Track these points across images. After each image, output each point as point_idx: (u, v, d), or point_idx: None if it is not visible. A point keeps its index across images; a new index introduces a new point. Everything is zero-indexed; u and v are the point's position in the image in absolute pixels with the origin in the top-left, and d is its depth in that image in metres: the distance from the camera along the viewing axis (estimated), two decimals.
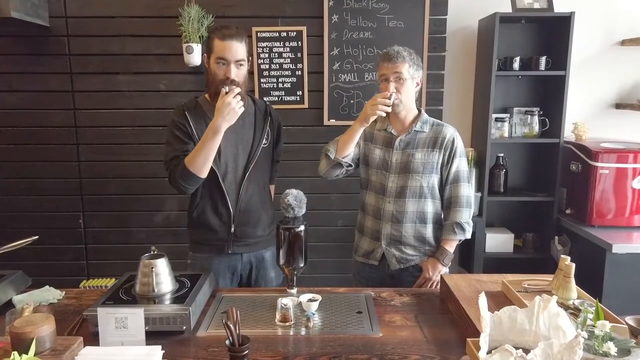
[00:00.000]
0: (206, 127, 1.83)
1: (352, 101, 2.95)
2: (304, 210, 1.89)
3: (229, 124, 1.79)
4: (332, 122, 2.97)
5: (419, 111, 2.07)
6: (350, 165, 2.05)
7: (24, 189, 3.06)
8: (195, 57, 2.80)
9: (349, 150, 2.00)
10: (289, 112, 2.94)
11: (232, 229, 2.00)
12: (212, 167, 1.88)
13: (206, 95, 2.01)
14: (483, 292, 1.15)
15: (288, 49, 2.91)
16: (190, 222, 2.06)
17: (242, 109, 1.80)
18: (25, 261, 3.01)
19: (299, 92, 2.95)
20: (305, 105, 2.97)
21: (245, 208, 2.01)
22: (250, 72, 2.82)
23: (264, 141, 2.04)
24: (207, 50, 1.92)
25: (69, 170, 3.04)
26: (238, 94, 1.79)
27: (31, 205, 3.07)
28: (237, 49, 1.85)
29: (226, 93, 1.79)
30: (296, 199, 1.88)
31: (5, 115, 2.97)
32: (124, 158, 3.03)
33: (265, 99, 2.83)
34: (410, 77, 1.96)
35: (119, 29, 2.90)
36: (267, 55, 2.91)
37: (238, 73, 1.87)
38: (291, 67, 2.93)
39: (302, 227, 1.80)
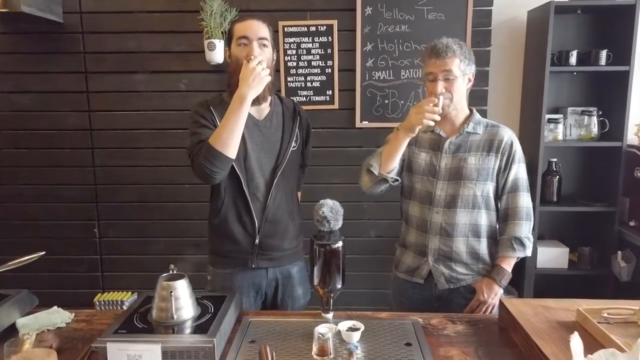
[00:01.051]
0: None
1: (386, 101, 2.76)
2: (340, 223, 1.72)
3: (256, 93, 1.64)
4: (365, 124, 2.79)
5: (471, 111, 1.88)
6: (397, 180, 1.86)
7: (36, 196, 2.96)
8: (217, 54, 2.66)
9: (394, 163, 1.82)
10: (318, 113, 2.77)
11: (257, 241, 1.84)
12: (235, 171, 1.74)
13: (229, 93, 1.87)
14: (576, 333, 0.96)
15: (317, 45, 2.75)
16: (211, 230, 1.92)
17: (269, 78, 1.65)
18: (37, 272, 2.93)
19: (329, 92, 2.78)
20: (336, 105, 2.79)
21: (271, 218, 1.86)
22: (277, 70, 2.68)
23: (292, 144, 1.89)
24: (228, 41, 1.79)
25: (84, 176, 2.93)
26: (260, 62, 1.64)
27: (44, 214, 2.97)
28: (259, 27, 1.73)
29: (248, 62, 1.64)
30: (332, 210, 1.70)
31: (16, 118, 2.88)
32: (141, 163, 2.91)
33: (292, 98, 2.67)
34: (462, 73, 1.77)
35: (136, 24, 2.78)
36: (294, 51, 2.75)
37: (262, 53, 1.71)
38: (320, 64, 2.76)
39: (339, 244, 1.63)
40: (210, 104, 1.81)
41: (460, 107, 1.84)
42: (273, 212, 1.86)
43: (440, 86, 1.75)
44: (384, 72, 2.75)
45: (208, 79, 2.81)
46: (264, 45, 1.73)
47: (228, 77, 1.84)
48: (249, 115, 1.81)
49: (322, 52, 2.75)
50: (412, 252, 1.91)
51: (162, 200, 2.92)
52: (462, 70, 1.77)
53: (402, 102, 2.75)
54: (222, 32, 2.65)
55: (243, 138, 1.77)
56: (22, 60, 2.83)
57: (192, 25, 2.72)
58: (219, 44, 2.65)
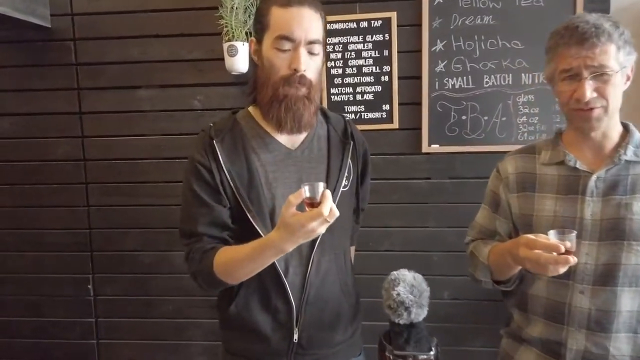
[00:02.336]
0: (247, 167, 1.24)
1: (464, 117, 2.12)
2: (425, 311, 1.11)
3: (296, 245, 1.08)
4: (435, 147, 2.15)
5: (625, 127, 1.24)
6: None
7: (17, 243, 2.44)
8: (240, 61, 2.10)
9: (507, 276, 1.27)
10: (372, 136, 2.13)
11: (296, 335, 1.25)
12: (257, 230, 1.22)
13: (250, 109, 1.32)
14: None
15: (370, 46, 2.15)
16: (224, 320, 1.36)
17: (334, 216, 1.02)
18: (20, 339, 2.43)
19: (386, 107, 2.17)
20: (395, 124, 2.17)
21: (315, 297, 1.29)
22: None
23: (343, 182, 1.32)
24: (258, 30, 1.24)
25: (75, 218, 2.40)
26: (331, 211, 1.02)
27: (26, 265, 2.45)
28: (311, 22, 1.18)
29: (309, 202, 1.03)
30: (413, 291, 1.11)
31: None
32: (147, 201, 2.36)
33: None
34: (620, 67, 1.14)
35: (139, 27, 2.27)
36: (339, 55, 2.16)
37: (310, 64, 1.17)
38: (374, 70, 2.16)
39: (431, 354, 1.00)
40: (214, 135, 1.26)
41: (614, 122, 1.20)
42: (317, 288, 1.29)
43: (590, 89, 1.12)
44: (460, 79, 2.11)
45: (229, 93, 2.26)
46: (313, 54, 1.19)
47: (251, 85, 1.29)
48: (277, 143, 1.26)
49: (377, 55, 2.15)
50: (537, 350, 1.25)
51: (172, 248, 2.35)
52: (620, 63, 1.14)
53: (485, 118, 2.11)
54: (246, 33, 2.10)
55: (267, 179, 1.22)
56: (0, 75, 2.35)
57: (209, 26, 2.18)
58: (242, 49, 2.09)
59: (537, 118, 2.08)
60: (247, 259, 1.14)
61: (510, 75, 2.08)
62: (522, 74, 2.07)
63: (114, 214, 2.38)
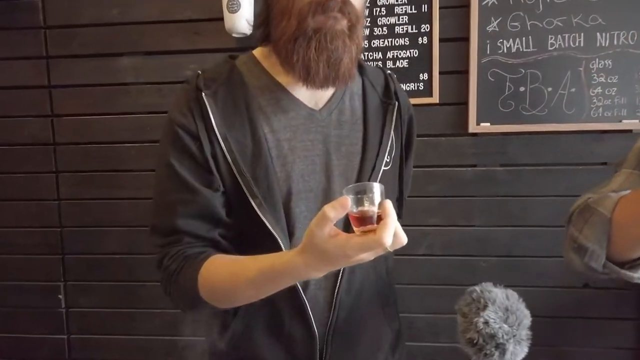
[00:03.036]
0: (251, 133, 0.87)
1: (522, 88, 1.72)
2: (525, 350, 0.71)
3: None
4: (486, 126, 1.75)
5: None
6: None
7: None
8: (242, 19, 1.71)
9: None
10: None
11: None
12: (267, 228, 0.85)
13: (256, 52, 0.96)
14: None
15: (404, 0, 1.75)
16: (215, 354, 0.99)
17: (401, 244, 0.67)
18: None
19: (423, 76, 1.77)
20: (435, 98, 1.77)
21: (347, 321, 0.93)
22: None
23: (385, 158, 0.96)
24: None
25: (45, 215, 2.03)
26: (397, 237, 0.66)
27: None
28: None
29: (358, 216, 0.66)
30: (508, 318, 0.68)
31: None
32: (128, 193, 1.97)
33: None
34: None
35: None
36: (366, 10, 1.77)
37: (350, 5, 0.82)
38: (410, 30, 1.76)
39: None
40: (205, 90, 0.88)
41: None
42: (350, 308, 0.93)
43: None
44: (518, 40, 1.71)
45: None
46: None
47: (264, 9, 0.90)
48: (295, 101, 0.88)
49: (413, 11, 1.75)
50: None
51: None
52: None
53: (549, 89, 1.70)
54: None
55: (280, 151, 0.88)
56: None
57: None
58: (246, 3, 1.71)
59: (615, 89, 1.68)
60: (251, 285, 0.77)
61: (582, 35, 1.67)
62: (597, 34, 1.67)
63: (89, 208, 2.00)
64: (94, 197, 1.99)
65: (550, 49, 1.69)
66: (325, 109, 0.91)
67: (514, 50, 1.71)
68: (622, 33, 1.65)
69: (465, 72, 1.75)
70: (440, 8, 1.73)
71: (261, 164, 0.84)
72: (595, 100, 1.69)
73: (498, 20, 1.71)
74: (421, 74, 1.77)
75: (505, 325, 0.73)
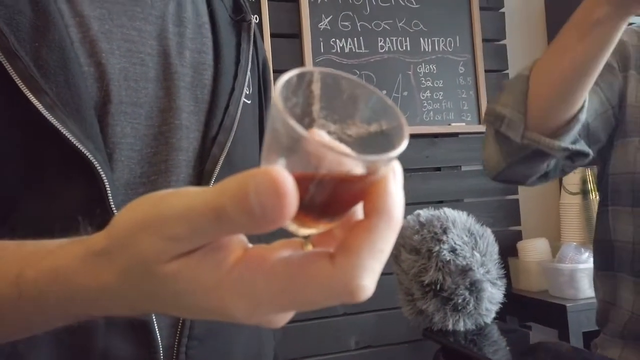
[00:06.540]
0: None
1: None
2: (500, 297, 0.52)
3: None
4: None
5: None
6: (585, 153, 0.75)
7: None
8: None
9: (576, 98, 0.71)
10: None
11: None
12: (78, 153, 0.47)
13: None
14: None
15: None
16: None
17: None
18: None
19: None
20: None
21: (206, 330, 0.58)
22: None
23: (244, 89, 0.66)
24: None
25: None
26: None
27: None
28: None
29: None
30: (477, 244, 0.52)
31: None
32: None
33: None
34: None
35: None
36: None
37: None
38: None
39: None
40: None
41: None
42: None
43: None
44: (350, 40, 1.69)
45: None
46: None
47: None
48: None
49: None
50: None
51: None
52: None
53: (384, 92, 1.70)
54: None
55: (86, 32, 0.53)
56: None
57: None
58: None
59: (441, 93, 1.76)
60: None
61: (408, 39, 1.74)
62: (421, 39, 1.75)
63: None
64: None
65: (380, 51, 1.71)
66: None
67: (347, 50, 1.69)
68: (441, 40, 1.77)
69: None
70: (269, 0, 1.63)
71: (49, 42, 0.49)
72: (425, 104, 1.75)
73: (329, 18, 1.68)
74: None
75: (477, 254, 0.55)
